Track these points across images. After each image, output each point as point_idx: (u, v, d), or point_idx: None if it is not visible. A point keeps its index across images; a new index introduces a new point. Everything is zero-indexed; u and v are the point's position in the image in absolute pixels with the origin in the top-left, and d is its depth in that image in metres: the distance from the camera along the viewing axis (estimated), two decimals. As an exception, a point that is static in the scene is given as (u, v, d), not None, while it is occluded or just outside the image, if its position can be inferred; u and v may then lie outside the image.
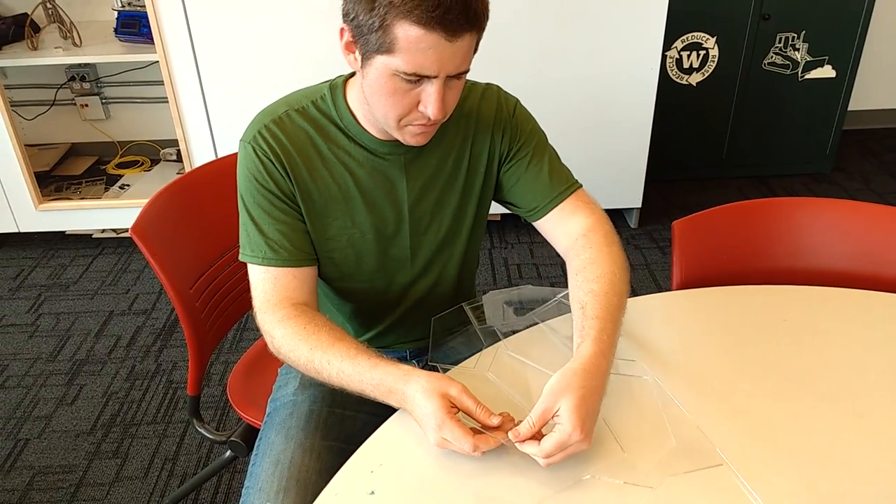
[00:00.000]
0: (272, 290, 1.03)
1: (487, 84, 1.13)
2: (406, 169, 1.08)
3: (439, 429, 0.84)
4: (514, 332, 1.09)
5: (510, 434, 0.84)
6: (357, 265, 1.13)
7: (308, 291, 1.07)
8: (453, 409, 0.86)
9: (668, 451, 0.87)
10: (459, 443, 0.83)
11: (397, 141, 1.03)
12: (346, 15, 0.90)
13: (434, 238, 1.14)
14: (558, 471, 0.84)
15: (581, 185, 1.14)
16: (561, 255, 1.13)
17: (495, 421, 0.85)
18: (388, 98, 0.93)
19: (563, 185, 1.12)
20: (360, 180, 1.07)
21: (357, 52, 0.92)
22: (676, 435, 0.89)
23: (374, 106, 0.96)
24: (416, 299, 1.20)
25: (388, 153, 1.06)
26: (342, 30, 0.92)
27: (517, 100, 1.14)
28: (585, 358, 0.89)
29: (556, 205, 1.11)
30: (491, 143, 1.11)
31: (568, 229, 1.11)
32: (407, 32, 0.85)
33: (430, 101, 0.91)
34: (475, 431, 0.85)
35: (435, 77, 0.89)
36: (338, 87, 1.05)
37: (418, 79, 0.90)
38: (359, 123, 1.04)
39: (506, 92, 1.14)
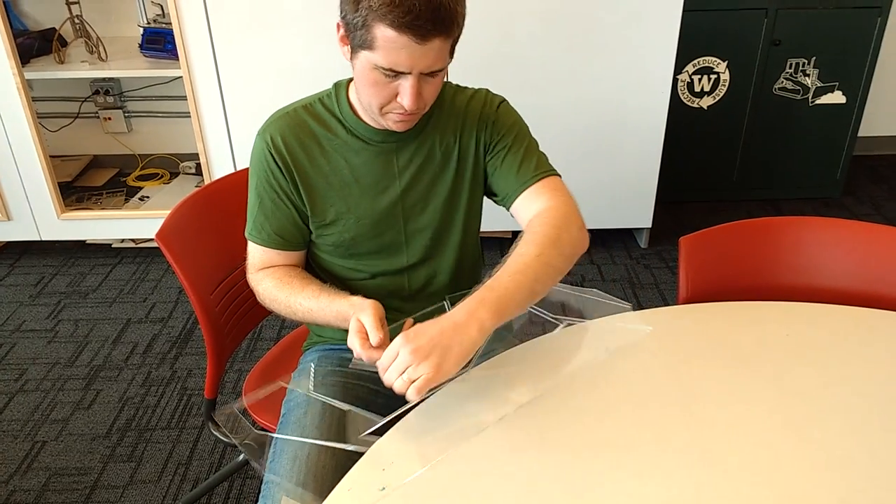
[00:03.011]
0: (262, 260, 1.22)
1: (478, 88, 1.23)
2: (397, 156, 1.18)
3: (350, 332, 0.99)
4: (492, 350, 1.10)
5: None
6: (354, 248, 1.21)
7: (293, 262, 1.24)
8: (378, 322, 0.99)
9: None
10: (351, 340, 0.98)
11: (389, 130, 1.13)
12: (340, 12, 1.01)
13: (427, 225, 1.21)
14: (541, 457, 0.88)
15: (557, 175, 1.18)
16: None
17: (374, 340, 0.97)
18: (370, 88, 1.04)
19: (532, 171, 1.17)
20: (355, 167, 1.17)
21: (348, 46, 1.04)
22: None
23: (361, 94, 1.09)
24: (416, 289, 1.26)
25: (381, 141, 1.16)
26: (338, 25, 1.03)
27: (504, 98, 1.23)
28: (455, 310, 0.95)
29: (524, 189, 1.16)
30: (477, 136, 1.20)
31: (531, 210, 1.14)
32: (383, 33, 0.96)
33: (406, 94, 1.03)
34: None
35: (409, 73, 1.00)
36: (342, 85, 1.19)
37: (395, 74, 1.01)
38: (356, 115, 1.16)
39: (494, 93, 1.24)
